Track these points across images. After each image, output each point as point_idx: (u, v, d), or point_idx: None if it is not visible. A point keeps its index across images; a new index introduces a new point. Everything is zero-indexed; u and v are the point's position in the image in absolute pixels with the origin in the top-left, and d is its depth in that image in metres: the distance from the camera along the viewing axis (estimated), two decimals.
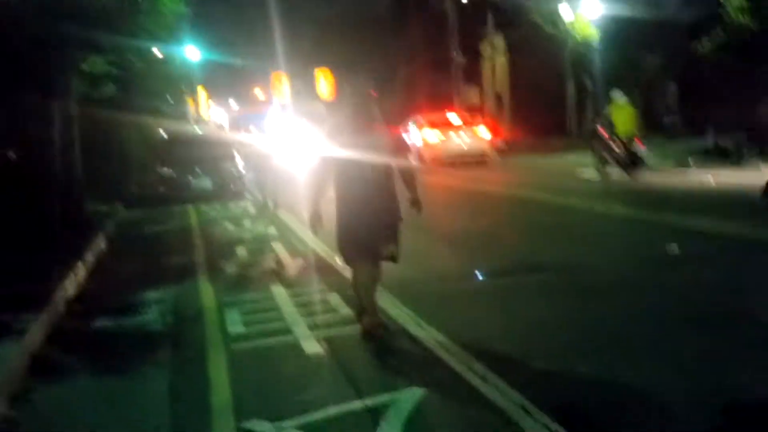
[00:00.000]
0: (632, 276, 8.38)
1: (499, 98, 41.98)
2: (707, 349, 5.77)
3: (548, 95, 35.61)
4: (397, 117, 48.23)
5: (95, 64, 14.80)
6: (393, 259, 6.66)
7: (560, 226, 12.22)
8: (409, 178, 6.79)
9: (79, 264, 10.48)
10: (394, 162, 6.61)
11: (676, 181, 17.08)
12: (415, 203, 6.77)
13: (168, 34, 15.56)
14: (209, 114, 57.47)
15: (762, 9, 20.41)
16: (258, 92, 60.16)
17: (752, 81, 27.43)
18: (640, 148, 18.49)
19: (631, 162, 17.95)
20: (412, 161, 7.65)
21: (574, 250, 10.03)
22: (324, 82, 32.57)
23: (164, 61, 20.87)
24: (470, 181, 20.73)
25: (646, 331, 6.36)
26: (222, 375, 6.09)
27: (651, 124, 36.35)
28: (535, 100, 36.41)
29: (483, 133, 27.91)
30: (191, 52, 37.73)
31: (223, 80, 63.50)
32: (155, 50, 20.58)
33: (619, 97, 20.09)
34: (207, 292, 9.13)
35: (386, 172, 6.54)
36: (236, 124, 43.42)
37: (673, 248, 9.16)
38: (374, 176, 6.44)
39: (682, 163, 20.20)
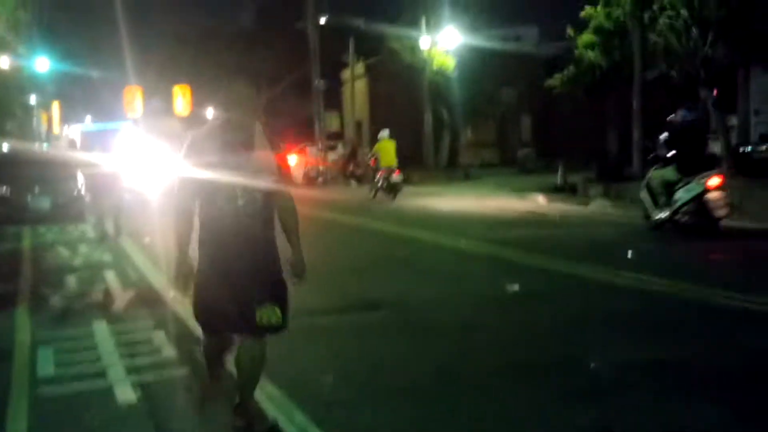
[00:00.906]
0: (469, 315, 8.25)
1: (359, 125, 42.04)
2: (524, 399, 5.61)
3: (406, 124, 35.64)
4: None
5: None
6: (273, 328, 4.80)
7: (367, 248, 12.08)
8: (288, 219, 4.96)
9: None
10: (273, 193, 4.85)
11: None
12: (296, 265, 4.95)
13: (4, 42, 14.61)
14: (63, 130, 55.24)
15: (609, 46, 21.19)
16: (112, 110, 58.25)
17: (601, 115, 28.63)
18: (396, 176, 22.88)
19: (391, 189, 22.34)
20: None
21: (408, 284, 9.88)
22: (182, 98, 31.65)
23: (6, 74, 19.65)
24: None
25: (469, 376, 6.18)
26: (21, 425, 5.50)
27: (506, 156, 37.61)
28: (392, 129, 36.22)
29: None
30: (41, 64, 36.04)
31: (80, 95, 61.25)
32: (1, 60, 19.41)
33: (384, 136, 23.74)
34: (23, 327, 8.40)
35: (264, 208, 4.81)
36: (87, 141, 41.69)
37: (513, 286, 9.14)
38: (247, 211, 4.72)
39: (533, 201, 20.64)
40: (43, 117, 46.05)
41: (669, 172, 13.26)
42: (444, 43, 32.17)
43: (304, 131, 42.46)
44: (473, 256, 12.22)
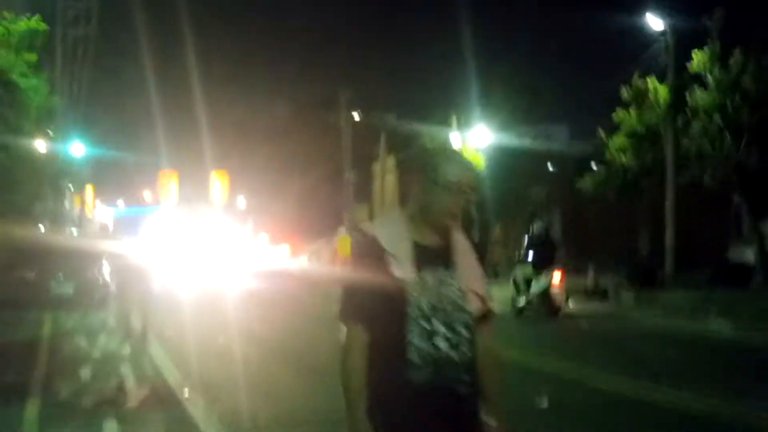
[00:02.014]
0: None
1: None
2: None
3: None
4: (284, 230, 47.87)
5: None
6: None
7: None
8: (490, 370, 3.14)
9: None
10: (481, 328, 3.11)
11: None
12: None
13: (35, 128, 14.66)
14: (95, 213, 55.77)
15: (641, 149, 20.95)
16: (147, 195, 58.91)
17: (633, 215, 28.28)
18: None
19: None
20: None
21: None
22: (219, 184, 31.46)
23: (38, 158, 19.74)
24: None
25: None
26: None
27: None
28: (530, 219, 36.05)
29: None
30: (76, 149, 36.51)
31: (114, 180, 62.10)
32: (36, 146, 19.53)
33: None
34: (29, 423, 8.05)
35: (474, 355, 3.05)
36: (120, 226, 41.82)
37: (542, 400, 8.66)
38: (451, 359, 2.95)
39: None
40: (76, 200, 46.46)
41: (528, 270, 17.23)
42: (474, 141, 32.10)
43: (334, 221, 42.57)
44: None
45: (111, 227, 44.60)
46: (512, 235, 38.79)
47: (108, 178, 59.31)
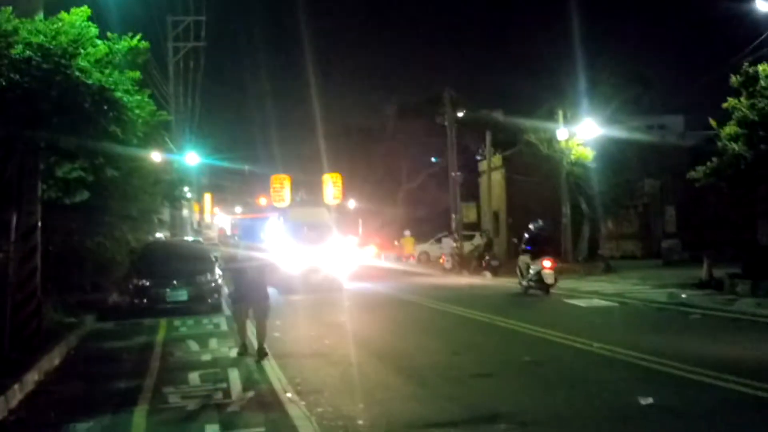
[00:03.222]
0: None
1: (496, 216, 41.56)
2: None
3: (544, 215, 34.65)
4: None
5: (66, 169, 14.28)
6: None
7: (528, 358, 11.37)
8: None
9: (16, 387, 9.67)
10: None
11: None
12: None
13: (145, 141, 15.08)
14: (214, 220, 57.49)
15: (755, 137, 19.95)
16: (263, 201, 60.14)
17: (750, 205, 27.10)
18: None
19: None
20: None
21: (533, 394, 9.21)
22: (332, 186, 31.53)
23: (151, 170, 20.34)
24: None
25: None
26: None
27: (649, 248, 36.15)
28: (531, 219, 35.25)
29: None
30: (191, 158, 37.59)
31: (232, 187, 63.89)
32: (153, 156, 20.18)
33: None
34: (138, 428, 8.27)
35: None
36: (237, 230, 42.86)
37: (647, 399, 8.32)
38: None
39: (675, 297, 19.45)
40: (195, 208, 47.95)
41: (527, 258, 21.94)
42: (582, 135, 31.44)
43: (442, 221, 42.43)
44: (608, 361, 11.28)
45: (229, 233, 45.67)
46: (625, 229, 37.95)
47: (226, 186, 61.14)
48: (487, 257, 32.25)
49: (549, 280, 21.22)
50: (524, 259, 22.15)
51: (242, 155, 52.41)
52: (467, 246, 37.45)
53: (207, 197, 48.27)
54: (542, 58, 32.84)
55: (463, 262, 34.66)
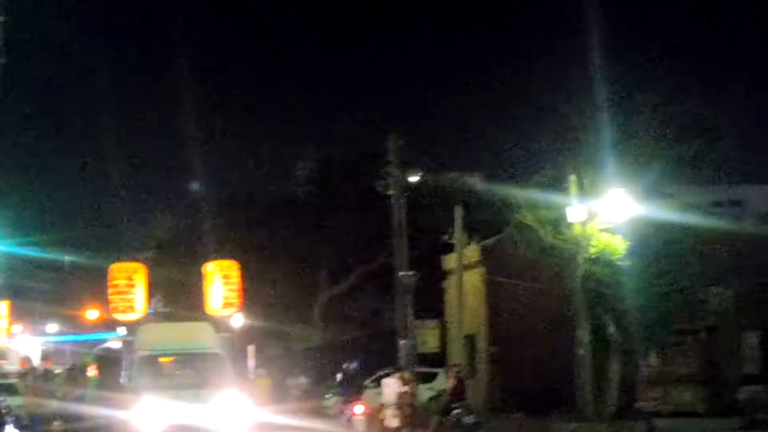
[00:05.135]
0: None
1: (471, 343, 40.77)
2: None
3: (547, 343, 35.41)
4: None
5: None
6: None
7: None
8: None
9: None
10: None
11: None
12: None
13: None
14: (11, 344, 55.73)
15: None
16: (93, 313, 58.90)
17: None
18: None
19: None
20: None
21: None
22: (222, 284, 30.64)
23: None
24: None
25: None
26: None
27: (718, 400, 35.21)
28: (527, 349, 36.42)
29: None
30: None
31: (43, 290, 62.27)
32: None
33: None
34: None
35: None
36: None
37: None
38: None
39: None
40: None
41: None
42: (608, 214, 30.51)
43: (384, 350, 41.66)
44: None
45: (37, 362, 44.62)
46: (678, 367, 36.98)
47: (33, 289, 59.46)
48: (456, 410, 31.00)
49: None
50: None
51: (61, 238, 50.93)
52: (424, 392, 37.12)
53: (1, 307, 46.71)
54: (544, 90, 31.91)
55: (417, 419, 33.84)
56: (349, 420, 36.97)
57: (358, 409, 35.86)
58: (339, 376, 45.40)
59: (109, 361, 33.72)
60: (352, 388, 42.81)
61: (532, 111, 33.12)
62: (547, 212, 32.19)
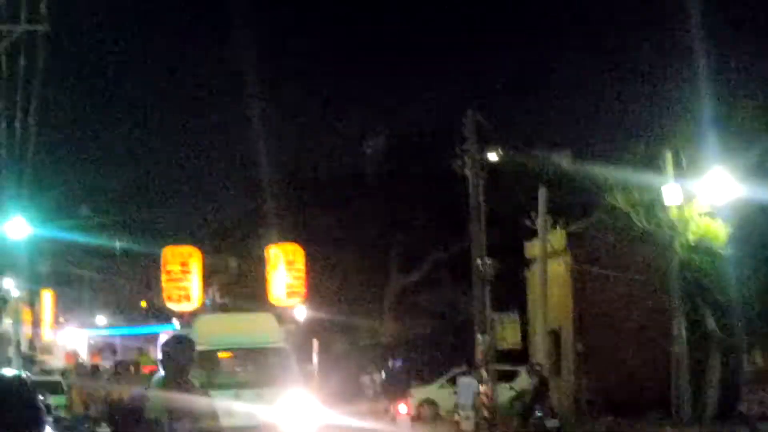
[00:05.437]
0: None
1: (555, 338, 40.29)
2: None
3: (639, 337, 35.68)
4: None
5: None
6: None
7: None
8: None
9: None
10: None
11: None
12: None
13: None
14: (58, 337, 56.04)
15: None
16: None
17: None
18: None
19: None
20: None
21: None
22: (286, 271, 30.46)
23: None
24: None
25: None
26: None
27: None
28: (617, 346, 36.62)
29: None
30: (16, 228, 36.10)
31: (92, 280, 62.63)
32: None
33: None
34: None
35: None
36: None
37: None
38: None
39: None
40: (25, 315, 46.98)
41: None
42: (708, 197, 29.76)
43: (455, 346, 41.83)
44: None
45: (85, 356, 44.85)
46: None
47: (81, 279, 59.81)
48: (538, 413, 30.32)
49: None
50: None
51: (112, 222, 51.11)
52: (504, 391, 37.03)
53: (46, 297, 47.04)
54: (638, 57, 31.39)
55: (495, 422, 33.64)
56: (393, 419, 37.23)
57: (402, 408, 36.35)
58: (383, 375, 45.56)
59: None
60: (396, 387, 42.89)
61: (624, 80, 32.68)
62: (641, 194, 31.95)
